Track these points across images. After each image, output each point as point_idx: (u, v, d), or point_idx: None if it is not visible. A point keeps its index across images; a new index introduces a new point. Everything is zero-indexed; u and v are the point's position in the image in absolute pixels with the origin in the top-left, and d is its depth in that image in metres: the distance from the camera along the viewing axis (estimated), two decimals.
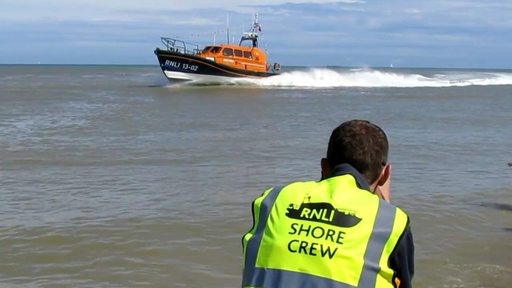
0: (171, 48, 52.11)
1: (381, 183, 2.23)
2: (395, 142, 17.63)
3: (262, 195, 2.13)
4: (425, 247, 8.36)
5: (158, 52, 51.35)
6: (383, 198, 2.18)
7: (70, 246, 8.66)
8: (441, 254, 8.39)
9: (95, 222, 9.78)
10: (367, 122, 2.24)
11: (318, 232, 1.97)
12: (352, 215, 1.99)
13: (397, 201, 9.68)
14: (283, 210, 2.04)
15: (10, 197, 11.44)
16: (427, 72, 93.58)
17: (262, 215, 2.08)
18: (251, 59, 55.92)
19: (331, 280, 1.92)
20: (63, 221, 9.82)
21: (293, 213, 2.03)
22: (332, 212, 2.00)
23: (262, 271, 1.99)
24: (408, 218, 2.02)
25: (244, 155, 16.58)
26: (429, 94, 48.98)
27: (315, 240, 1.96)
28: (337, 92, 49.47)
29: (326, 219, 1.99)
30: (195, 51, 53.94)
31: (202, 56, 53.56)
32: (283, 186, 2.13)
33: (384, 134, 2.24)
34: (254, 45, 57.02)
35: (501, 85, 68.60)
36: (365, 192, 2.08)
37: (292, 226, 2.00)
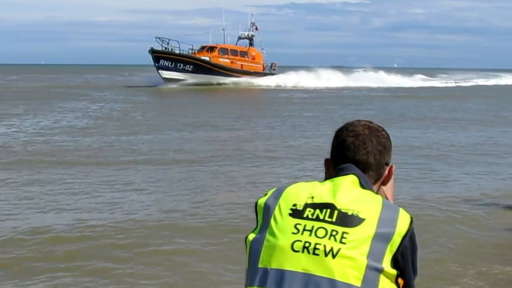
0: (165, 48, 51.63)
1: (384, 183, 2.22)
2: (398, 142, 17.61)
3: (265, 195, 2.13)
4: (428, 248, 8.34)
5: (152, 51, 50.89)
6: (386, 198, 2.18)
7: (71, 246, 8.66)
8: (445, 255, 8.37)
9: (96, 222, 9.78)
10: (370, 122, 2.24)
11: (321, 232, 1.97)
12: (356, 215, 1.98)
13: (400, 201, 9.68)
14: (286, 210, 2.04)
15: (12, 197, 11.45)
16: (430, 72, 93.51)
17: (265, 215, 2.08)
18: (247, 59, 55.49)
19: (334, 280, 1.92)
20: (64, 221, 9.82)
21: (296, 213, 2.03)
22: (336, 212, 2.00)
23: (265, 271, 1.99)
24: (411, 218, 2.02)
25: (247, 155, 16.57)
26: (433, 94, 48.90)
27: (318, 240, 1.96)
28: (340, 92, 49.42)
29: (329, 219, 1.99)
30: (190, 51, 53.49)
31: (197, 55, 53.06)
32: (286, 186, 2.13)
33: (387, 134, 2.23)
34: (251, 44, 56.60)
35: (506, 85, 68.31)
36: (368, 192, 2.07)
37: (295, 226, 2.00)
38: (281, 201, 2.07)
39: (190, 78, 51.95)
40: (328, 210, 2.01)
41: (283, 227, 2.01)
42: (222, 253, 8.38)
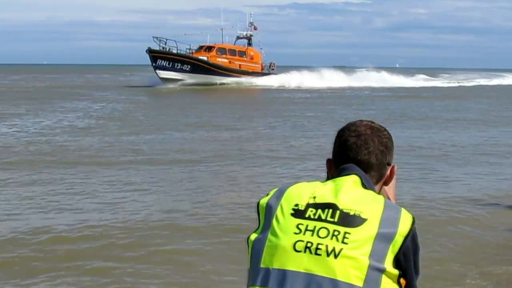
0: (163, 48, 51.38)
1: (386, 183, 2.22)
2: (400, 142, 17.60)
3: (267, 195, 2.13)
4: (430, 248, 8.33)
5: (150, 51, 50.59)
6: (388, 198, 2.17)
7: (72, 245, 8.66)
8: (447, 255, 8.37)
9: (97, 222, 9.78)
10: (372, 122, 2.24)
11: (323, 232, 1.97)
12: (357, 215, 1.98)
13: (401, 201, 9.67)
14: (288, 210, 2.04)
15: (13, 197, 11.46)
16: (432, 72, 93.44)
17: (267, 215, 2.07)
18: (245, 59, 55.18)
19: (336, 280, 1.91)
20: (66, 221, 9.83)
21: (298, 213, 2.02)
22: (337, 212, 2.00)
23: (267, 271, 1.99)
24: (413, 218, 2.02)
25: (248, 155, 16.57)
26: (435, 94, 48.87)
27: (320, 240, 1.96)
28: (342, 92, 49.41)
29: (331, 219, 1.99)
30: (188, 51, 53.21)
31: (195, 55, 52.75)
32: (288, 186, 2.13)
33: (389, 134, 2.23)
34: (249, 44, 56.33)
35: (509, 85, 68.18)
36: (370, 192, 2.07)
37: (297, 226, 2.00)
38: (283, 201, 2.07)
39: (187, 78, 51.65)
40: (330, 210, 2.00)
41: (285, 227, 2.01)
42: (223, 253, 8.37)
